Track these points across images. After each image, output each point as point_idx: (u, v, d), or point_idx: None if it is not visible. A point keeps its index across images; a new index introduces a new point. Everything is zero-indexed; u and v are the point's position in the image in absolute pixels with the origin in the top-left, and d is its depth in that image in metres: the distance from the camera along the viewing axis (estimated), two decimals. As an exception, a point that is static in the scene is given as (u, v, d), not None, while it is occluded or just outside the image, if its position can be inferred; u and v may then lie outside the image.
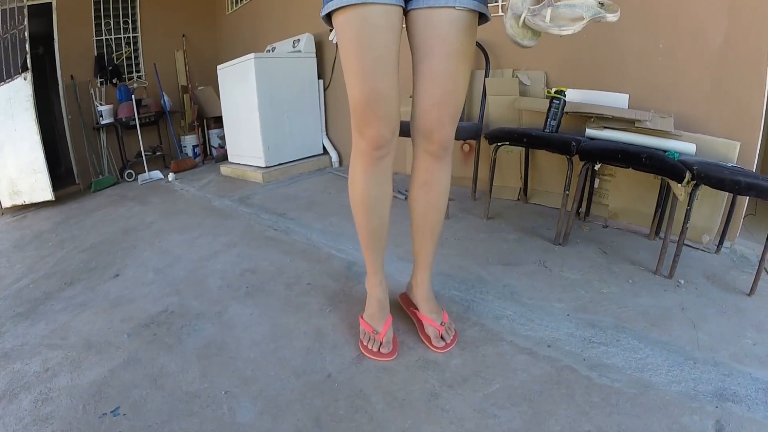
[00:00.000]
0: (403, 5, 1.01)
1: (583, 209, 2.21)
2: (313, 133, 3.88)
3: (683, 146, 1.79)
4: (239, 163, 3.85)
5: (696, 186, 1.53)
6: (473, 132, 2.41)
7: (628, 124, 1.96)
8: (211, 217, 2.65)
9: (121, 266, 2.01)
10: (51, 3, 4.22)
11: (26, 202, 3.44)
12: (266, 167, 3.54)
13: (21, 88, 3.43)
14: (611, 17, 0.93)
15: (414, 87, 1.08)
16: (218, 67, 3.87)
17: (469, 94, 2.64)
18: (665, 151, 1.74)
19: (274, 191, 3.17)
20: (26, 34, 3.55)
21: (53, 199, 3.41)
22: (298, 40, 3.72)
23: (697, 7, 1.88)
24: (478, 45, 2.52)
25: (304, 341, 1.32)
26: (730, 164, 1.69)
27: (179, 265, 1.95)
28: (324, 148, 3.96)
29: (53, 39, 4.28)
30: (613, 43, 2.09)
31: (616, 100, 2.09)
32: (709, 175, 1.49)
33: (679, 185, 1.56)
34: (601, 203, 2.21)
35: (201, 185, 3.62)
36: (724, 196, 1.82)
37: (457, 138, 2.31)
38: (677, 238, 1.60)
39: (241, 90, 3.58)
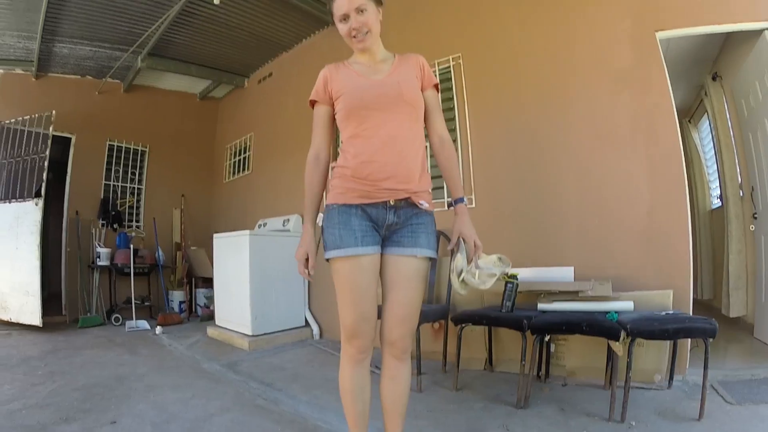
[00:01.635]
0: (380, 252, 1.44)
1: (543, 372, 2.50)
2: (297, 306, 4.18)
3: (622, 305, 2.13)
4: (226, 328, 4.02)
5: (632, 341, 1.84)
6: (441, 313, 2.85)
7: (574, 295, 2.34)
8: (203, 380, 2.80)
9: (117, 414, 2.12)
10: (70, 138, 4.68)
11: (12, 320, 3.46)
12: (253, 335, 3.74)
13: (30, 212, 3.65)
14: (509, 269, 1.48)
15: (382, 309, 1.47)
16: (215, 235, 4.28)
17: (438, 279, 3.14)
18: (607, 313, 2.03)
19: (260, 360, 3.36)
20: (46, 163, 3.84)
21: (41, 325, 3.47)
22: (288, 219, 4.26)
23: (622, 182, 2.40)
24: (444, 235, 2.97)
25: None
26: (663, 313, 2.01)
27: (176, 423, 2.08)
28: (306, 320, 4.21)
29: (65, 168, 4.55)
30: (556, 225, 2.60)
31: (563, 274, 2.51)
32: (641, 330, 1.82)
33: (617, 343, 1.87)
34: (558, 364, 2.52)
35: (189, 344, 3.77)
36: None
37: (428, 320, 2.80)
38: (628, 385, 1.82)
39: (234, 260, 3.92)
